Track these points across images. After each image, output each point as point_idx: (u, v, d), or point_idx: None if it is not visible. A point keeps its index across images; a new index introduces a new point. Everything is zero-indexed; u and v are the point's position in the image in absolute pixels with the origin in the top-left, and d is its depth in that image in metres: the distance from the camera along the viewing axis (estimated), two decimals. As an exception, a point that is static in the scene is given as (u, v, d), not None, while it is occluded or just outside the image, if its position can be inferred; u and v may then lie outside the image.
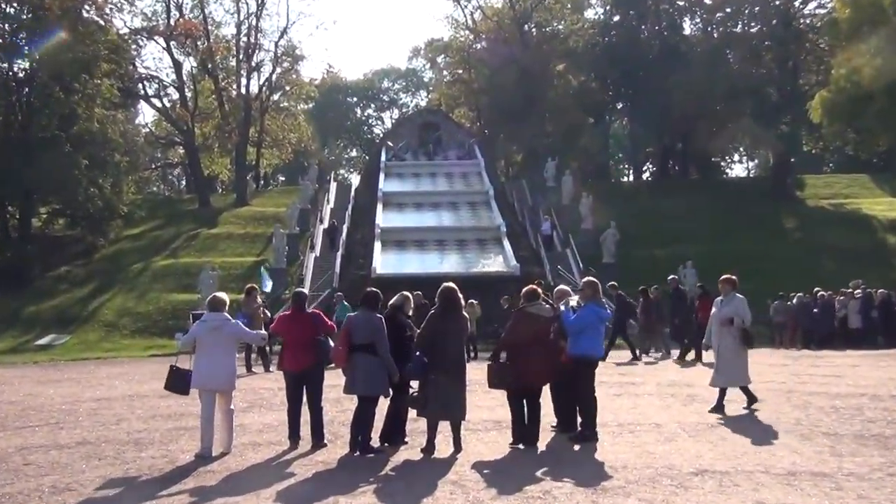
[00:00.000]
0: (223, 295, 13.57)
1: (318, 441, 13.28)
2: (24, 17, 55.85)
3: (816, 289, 36.53)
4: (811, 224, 56.28)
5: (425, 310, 15.31)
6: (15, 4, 55.98)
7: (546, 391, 13.83)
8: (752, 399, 15.92)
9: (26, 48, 55.91)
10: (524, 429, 12.95)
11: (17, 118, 54.40)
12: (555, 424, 14.04)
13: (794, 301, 36.35)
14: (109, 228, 57.95)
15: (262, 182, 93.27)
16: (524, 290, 13.44)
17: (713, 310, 16.35)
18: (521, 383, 12.83)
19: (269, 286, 32.78)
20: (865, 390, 18.39)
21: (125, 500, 10.41)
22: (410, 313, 13.81)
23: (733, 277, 16.28)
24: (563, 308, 13.53)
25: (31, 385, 24.09)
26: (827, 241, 50.54)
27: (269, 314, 28.50)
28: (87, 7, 58.01)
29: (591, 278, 14.24)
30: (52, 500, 10.53)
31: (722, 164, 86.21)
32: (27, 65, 56.37)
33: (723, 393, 15.81)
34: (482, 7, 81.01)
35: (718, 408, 15.60)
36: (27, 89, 55.28)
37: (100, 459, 12.81)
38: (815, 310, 35.59)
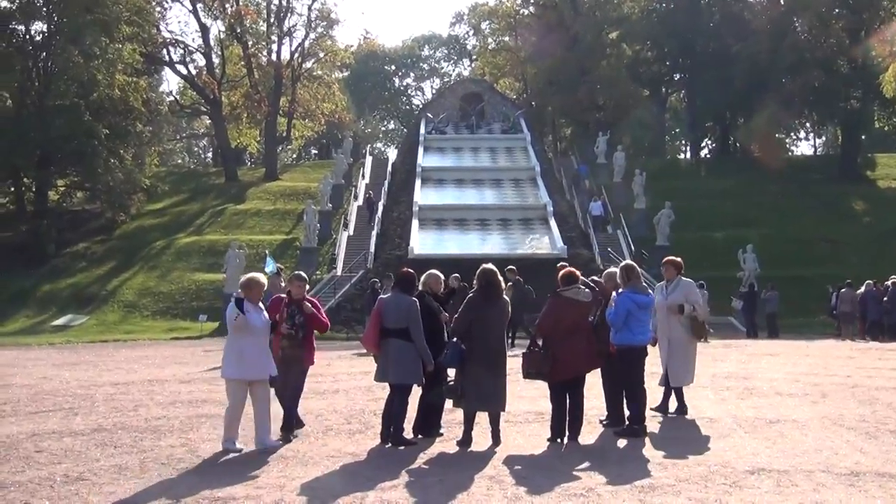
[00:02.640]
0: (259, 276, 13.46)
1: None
2: (41, -24, 56.08)
3: (893, 277, 36.16)
4: (883, 207, 55.90)
5: (463, 294, 15.25)
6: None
7: (599, 383, 13.87)
8: (683, 405, 15.08)
9: (43, 10, 56.15)
10: (565, 424, 12.88)
11: (34, 84, 54.83)
12: (604, 419, 13.99)
13: (863, 289, 36.06)
14: (130, 203, 58.34)
15: (317, 153, 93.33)
16: (561, 272, 13.32)
17: (657, 297, 15.04)
18: (559, 373, 12.75)
19: (269, 269, 33.54)
20: (938, 386, 18.25)
21: (141, 492, 10.46)
22: (441, 292, 13.77)
23: (678, 259, 15.42)
24: (613, 296, 13.49)
25: (45, 368, 24.30)
26: (899, 226, 50.18)
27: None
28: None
29: (628, 261, 14.09)
30: (64, 490, 10.57)
31: (786, 141, 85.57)
32: (44, 28, 56.65)
33: (670, 392, 15.21)
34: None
35: (663, 408, 15.12)
36: (44, 54, 55.67)
37: (115, 447, 12.87)
38: (884, 299, 35.35)
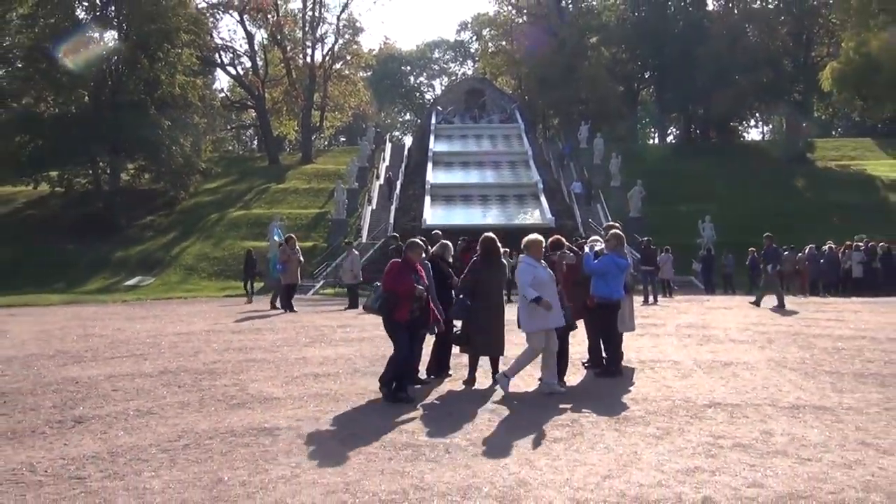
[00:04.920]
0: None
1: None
2: (113, -9, 56.18)
3: (829, 242, 36.32)
4: (821, 184, 55.78)
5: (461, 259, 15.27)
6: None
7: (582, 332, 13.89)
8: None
9: (115, 20, 56.29)
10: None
11: (108, 83, 54.84)
12: (586, 361, 14.01)
13: (805, 252, 36.16)
14: (189, 183, 58.44)
15: (345, 140, 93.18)
16: (550, 239, 13.30)
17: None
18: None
19: (277, 238, 34.55)
20: (865, 333, 18.23)
21: (201, 423, 10.53)
22: (451, 260, 13.77)
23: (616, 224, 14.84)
24: (586, 250, 13.49)
25: (119, 321, 24.35)
26: (834, 199, 50.10)
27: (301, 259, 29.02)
28: (168, -17, 58.04)
29: (617, 231, 13.90)
30: (136, 423, 10.66)
31: (739, 128, 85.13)
32: (116, 35, 56.71)
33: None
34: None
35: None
36: (116, 58, 55.64)
37: (179, 387, 12.93)
38: (821, 259, 35.48)
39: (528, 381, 12.86)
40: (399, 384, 11.73)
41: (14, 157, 54.18)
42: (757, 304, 25.67)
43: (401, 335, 11.85)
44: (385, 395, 11.61)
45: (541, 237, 12.45)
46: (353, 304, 27.51)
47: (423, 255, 12.66)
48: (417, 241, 12.39)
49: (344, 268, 29.70)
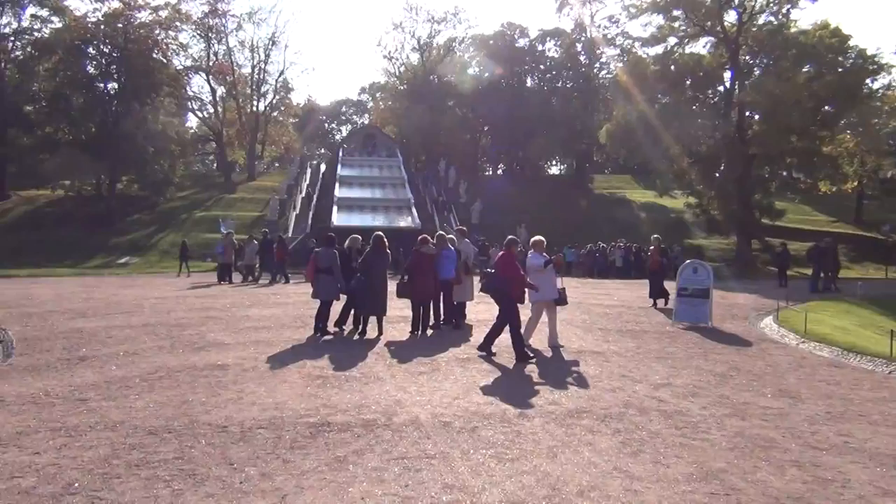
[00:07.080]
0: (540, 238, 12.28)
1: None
2: (115, 54, 54.06)
3: (600, 243, 37.49)
4: (596, 204, 57.40)
5: (363, 249, 15.15)
6: (109, 45, 54.19)
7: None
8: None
9: (115, 74, 54.36)
10: (419, 323, 12.93)
11: (109, 119, 52.73)
12: (442, 321, 13.96)
13: (586, 249, 37.24)
14: (166, 192, 56.66)
15: (278, 165, 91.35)
16: (419, 238, 13.35)
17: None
18: (416, 295, 12.77)
19: (223, 230, 34.33)
20: (624, 303, 18.83)
21: (171, 360, 10.17)
22: (359, 248, 13.75)
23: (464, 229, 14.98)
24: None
25: (113, 288, 23.40)
26: (605, 214, 51.62)
27: (236, 245, 28.30)
28: (155, 51, 56.44)
29: (452, 234, 14.08)
30: (124, 360, 10.24)
31: (545, 166, 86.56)
32: (115, 86, 54.64)
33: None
34: (405, 64, 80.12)
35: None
36: (116, 101, 53.55)
37: (156, 335, 12.46)
38: (597, 254, 36.50)
39: (402, 333, 12.85)
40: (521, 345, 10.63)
41: (38, 170, 52.75)
42: None
43: (514, 308, 10.89)
44: (518, 357, 10.41)
45: (542, 238, 12.21)
46: (220, 278, 26.54)
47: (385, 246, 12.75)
48: (515, 238, 11.77)
49: (247, 252, 28.04)
